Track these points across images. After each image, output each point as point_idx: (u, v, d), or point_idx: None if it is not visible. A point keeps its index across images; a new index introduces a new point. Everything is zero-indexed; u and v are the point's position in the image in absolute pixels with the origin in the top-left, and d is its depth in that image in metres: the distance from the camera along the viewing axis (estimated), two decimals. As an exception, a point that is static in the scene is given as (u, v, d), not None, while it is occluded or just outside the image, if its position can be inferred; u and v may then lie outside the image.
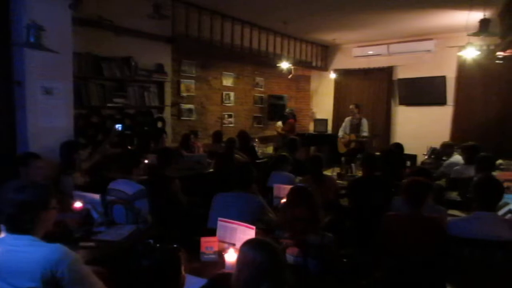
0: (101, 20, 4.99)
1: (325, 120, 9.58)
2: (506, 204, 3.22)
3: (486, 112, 7.67)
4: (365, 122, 7.66)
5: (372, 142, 7.76)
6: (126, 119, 5.42)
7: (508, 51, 5.88)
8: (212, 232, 2.58)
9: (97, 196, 2.97)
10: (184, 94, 7.05)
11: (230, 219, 2.59)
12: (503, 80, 7.37)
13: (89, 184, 3.68)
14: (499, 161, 5.67)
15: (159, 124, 5.88)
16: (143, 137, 5.59)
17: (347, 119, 7.86)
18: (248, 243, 1.66)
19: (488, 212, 2.54)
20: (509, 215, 3.13)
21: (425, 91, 8.44)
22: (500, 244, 2.39)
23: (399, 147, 5.28)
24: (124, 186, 3.17)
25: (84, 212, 2.90)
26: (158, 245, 1.64)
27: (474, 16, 5.34)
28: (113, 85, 5.36)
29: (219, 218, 2.60)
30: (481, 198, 2.56)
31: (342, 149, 7.71)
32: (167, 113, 6.18)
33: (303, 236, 2.33)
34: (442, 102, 8.30)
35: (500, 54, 6.08)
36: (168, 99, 6.16)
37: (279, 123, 8.18)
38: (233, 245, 2.45)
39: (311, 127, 10.13)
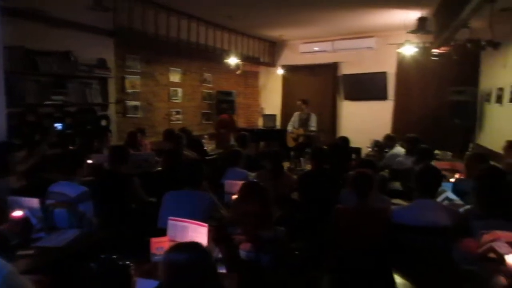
0: (34, 11, 4.64)
1: (274, 116, 9.69)
2: (443, 191, 3.45)
3: (423, 106, 8.18)
4: (313, 117, 7.85)
5: (319, 136, 7.97)
6: (66, 118, 5.12)
7: (442, 48, 6.28)
8: (163, 232, 2.51)
9: (35, 201, 2.77)
10: (129, 90, 6.79)
11: (181, 217, 2.53)
12: (438, 76, 7.88)
13: (26, 188, 3.43)
14: (436, 152, 6.07)
15: (103, 122, 5.62)
16: (85, 136, 5.30)
17: (296, 114, 8.01)
18: (170, 248, 1.56)
19: (428, 200, 2.69)
20: (446, 202, 3.35)
21: (368, 87, 8.82)
22: (439, 230, 2.54)
23: (345, 140, 5.46)
24: (65, 188, 2.99)
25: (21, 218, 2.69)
26: (109, 260, 1.55)
27: (412, 15, 5.65)
28: (50, 81, 5.02)
29: (170, 217, 2.53)
30: (421, 186, 2.71)
31: (291, 143, 7.84)
32: (112, 111, 5.92)
33: (255, 231, 2.32)
34: (383, 97, 8.71)
35: (435, 51, 6.47)
36: (112, 96, 5.90)
37: None
38: (185, 244, 2.40)
39: (260, 123, 10.20)
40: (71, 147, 4.85)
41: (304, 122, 7.81)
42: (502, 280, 1.85)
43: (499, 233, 2.16)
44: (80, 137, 5.24)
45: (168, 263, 1.47)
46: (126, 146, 5.39)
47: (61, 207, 2.87)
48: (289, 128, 8.02)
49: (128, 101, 6.78)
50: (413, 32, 5.42)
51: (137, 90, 6.97)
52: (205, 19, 7.48)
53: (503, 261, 1.97)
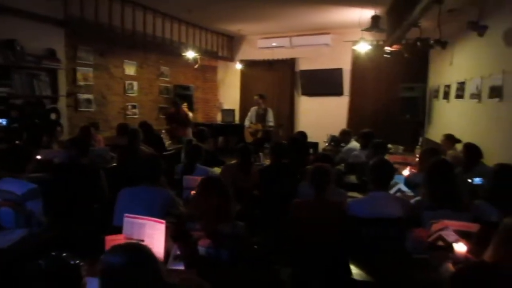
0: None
1: (232, 110, 9.67)
2: (396, 183, 3.60)
3: (377, 102, 8.47)
4: (270, 112, 7.91)
5: (278, 131, 8.05)
6: (12, 111, 4.81)
7: (394, 46, 6.52)
8: (119, 230, 2.42)
9: (-23, 199, 2.58)
10: (82, 83, 6.49)
11: (138, 215, 2.45)
12: (390, 73, 8.19)
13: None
14: (388, 146, 6.31)
15: (53, 116, 5.34)
16: (33, 130, 5.01)
17: (253, 109, 8.04)
18: (108, 250, 1.49)
19: (381, 192, 2.79)
20: (398, 194, 3.50)
21: (324, 83, 9.00)
22: (392, 220, 2.64)
23: (303, 135, 5.54)
24: (12, 186, 2.80)
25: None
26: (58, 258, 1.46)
27: (366, 13, 5.82)
28: (-7, 71, 4.70)
29: (126, 214, 2.44)
30: (375, 179, 2.79)
31: (249, 138, 7.86)
32: (62, 104, 5.64)
33: (214, 226, 2.30)
34: (339, 93, 8.93)
35: (387, 49, 6.71)
36: (62, 89, 5.61)
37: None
38: (142, 241, 2.32)
39: (218, 118, 10.14)
40: (17, 142, 4.57)
41: (261, 117, 7.85)
42: (450, 267, 1.94)
43: (447, 222, 2.27)
44: (28, 132, 4.96)
45: (103, 266, 1.37)
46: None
47: (7, 206, 2.69)
48: (246, 123, 8.04)
49: (80, 94, 6.49)
50: (367, 30, 5.60)
51: (90, 83, 6.68)
52: (162, 11, 7.29)
53: (451, 249, 2.08)
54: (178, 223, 2.52)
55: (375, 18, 5.50)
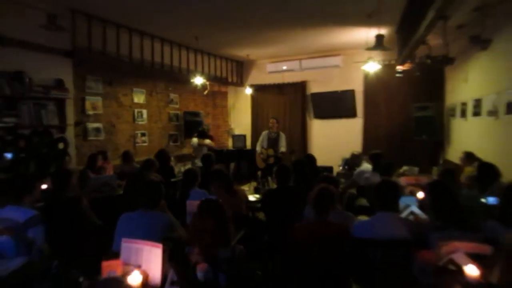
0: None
1: (243, 136, 9.76)
2: (408, 206, 3.55)
3: (391, 123, 8.45)
4: (283, 137, 7.92)
5: (291, 157, 8.02)
6: (20, 140, 4.99)
7: (405, 65, 6.56)
8: (117, 256, 2.46)
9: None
10: (90, 112, 6.72)
11: (137, 239, 2.50)
12: (403, 92, 8.20)
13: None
14: (404, 168, 6.26)
15: (60, 145, 5.50)
16: (41, 160, 5.19)
17: (265, 133, 8.08)
18: None
19: (387, 212, 2.77)
20: (411, 216, 3.45)
21: (337, 105, 9.06)
22: (398, 242, 2.61)
23: (310, 158, 5.57)
24: (13, 213, 2.90)
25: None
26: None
27: (373, 33, 5.91)
28: (1, 102, 4.90)
29: (123, 239, 2.49)
30: (380, 199, 2.80)
31: (260, 164, 7.88)
32: (70, 133, 5.81)
33: (212, 250, 2.32)
34: (352, 114, 8.96)
35: (399, 68, 6.76)
36: (70, 118, 5.80)
37: (195, 139, 8.09)
38: (139, 266, 2.36)
39: (229, 143, 10.24)
40: (23, 172, 4.73)
41: (273, 142, 7.87)
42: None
43: (457, 244, 2.23)
44: (35, 161, 5.13)
45: None
46: (85, 169, 5.32)
47: (7, 233, 2.78)
48: (258, 148, 8.05)
49: (89, 123, 6.70)
50: (370, 49, 5.68)
51: (99, 112, 6.91)
52: (170, 39, 7.56)
53: (462, 272, 2.04)
54: (176, 247, 2.56)
55: (378, 37, 5.59)
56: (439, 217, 2.58)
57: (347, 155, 6.59)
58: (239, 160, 9.34)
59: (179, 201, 3.92)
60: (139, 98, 7.94)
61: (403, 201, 3.40)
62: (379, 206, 2.79)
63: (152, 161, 5.31)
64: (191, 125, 8.94)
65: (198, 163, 7.53)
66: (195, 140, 7.98)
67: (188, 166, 8.17)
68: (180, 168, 7.49)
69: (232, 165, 9.52)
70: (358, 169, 5.58)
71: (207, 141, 8.04)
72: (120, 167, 6.04)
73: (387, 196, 2.80)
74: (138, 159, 6.55)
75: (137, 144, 7.81)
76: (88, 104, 6.67)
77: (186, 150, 9.10)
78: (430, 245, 2.47)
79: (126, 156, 6.02)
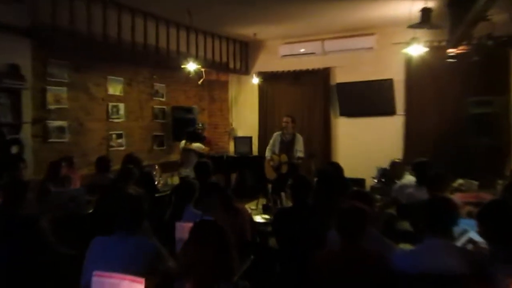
0: None
1: (249, 138, 9.78)
2: (466, 231, 3.52)
3: (441, 123, 8.36)
4: (299, 140, 7.89)
5: (310, 164, 7.98)
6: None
7: (460, 48, 6.53)
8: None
9: None
10: (52, 106, 6.78)
11: (113, 271, 2.51)
12: (456, 83, 8.11)
13: None
14: (460, 181, 6.21)
15: (14, 149, 5.55)
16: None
17: (276, 134, 8.08)
18: None
19: (438, 239, 2.75)
20: (470, 246, 3.42)
21: (370, 99, 9.01)
22: (452, 278, 2.59)
23: (335, 167, 5.54)
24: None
25: None
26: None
27: (418, 6, 5.89)
28: None
29: (95, 272, 2.51)
30: (428, 222, 2.78)
31: (271, 174, 7.87)
32: (27, 133, 5.87)
33: (210, 286, 2.33)
34: (390, 111, 8.91)
35: (451, 51, 6.72)
36: (27, 114, 5.86)
37: (182, 142, 8.12)
38: (115, 307, 2.37)
39: (231, 148, 10.25)
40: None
41: (287, 146, 7.85)
42: None
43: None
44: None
45: None
46: (45, 180, 5.36)
47: None
48: (268, 154, 8.04)
49: (51, 121, 6.76)
50: (414, 26, 5.63)
51: (64, 106, 6.97)
52: (156, 14, 7.58)
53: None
54: (163, 283, 2.57)
55: (424, 11, 5.54)
56: (505, 247, 2.55)
57: (384, 164, 6.57)
58: (243, 170, 9.34)
59: (167, 222, 3.93)
60: (115, 88, 8.00)
61: (459, 224, 3.37)
62: (428, 231, 2.77)
63: (129, 170, 5.32)
64: (181, 124, 8.98)
65: (184, 172, 7.58)
66: (182, 142, 8.02)
67: (176, 177, 8.22)
68: (166, 180, 7.53)
69: (234, 176, 9.53)
70: (398, 183, 5.56)
71: (195, 145, 8.05)
72: (90, 177, 6.07)
73: (437, 218, 2.78)
74: (113, 168, 6.57)
75: (111, 148, 7.86)
76: (50, 97, 6.74)
77: (174, 157, 9.13)
78: (493, 281, 2.46)
79: (102, 164, 6.03)
